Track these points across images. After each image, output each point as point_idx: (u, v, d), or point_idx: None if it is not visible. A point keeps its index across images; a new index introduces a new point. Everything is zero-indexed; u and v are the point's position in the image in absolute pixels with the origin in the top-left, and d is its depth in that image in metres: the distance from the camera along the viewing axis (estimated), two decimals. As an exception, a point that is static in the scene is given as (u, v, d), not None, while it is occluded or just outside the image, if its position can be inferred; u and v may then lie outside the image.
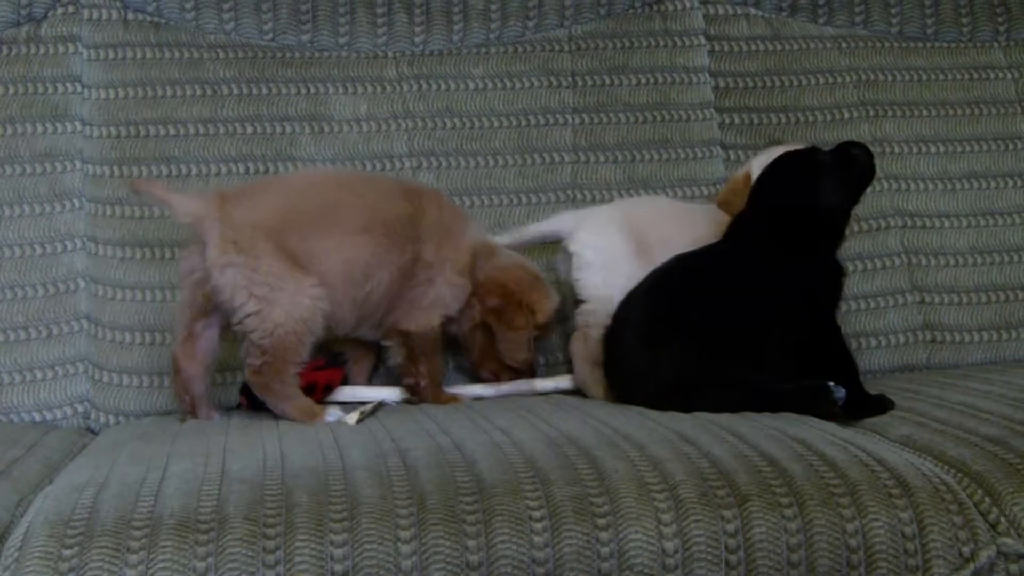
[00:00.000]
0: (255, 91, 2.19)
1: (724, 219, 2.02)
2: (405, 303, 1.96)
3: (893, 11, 2.40)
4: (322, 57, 2.24)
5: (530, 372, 2.09)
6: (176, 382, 1.92)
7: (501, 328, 2.02)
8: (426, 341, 1.97)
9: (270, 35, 2.24)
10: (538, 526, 1.40)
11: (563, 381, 2.07)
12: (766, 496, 1.45)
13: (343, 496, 1.42)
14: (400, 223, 1.94)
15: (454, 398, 2.00)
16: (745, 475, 1.48)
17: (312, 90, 2.21)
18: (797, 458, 1.53)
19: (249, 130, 2.17)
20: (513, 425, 1.69)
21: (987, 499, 1.53)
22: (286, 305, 1.82)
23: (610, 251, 2.05)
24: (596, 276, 2.04)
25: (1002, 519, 1.50)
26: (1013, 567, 1.48)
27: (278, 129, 2.18)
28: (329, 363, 2.03)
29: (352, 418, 1.79)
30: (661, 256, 1.97)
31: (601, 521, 1.41)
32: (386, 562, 1.37)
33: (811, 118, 2.32)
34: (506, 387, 2.06)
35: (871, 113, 2.33)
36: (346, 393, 2.03)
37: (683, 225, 2.07)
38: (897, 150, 2.30)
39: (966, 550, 1.46)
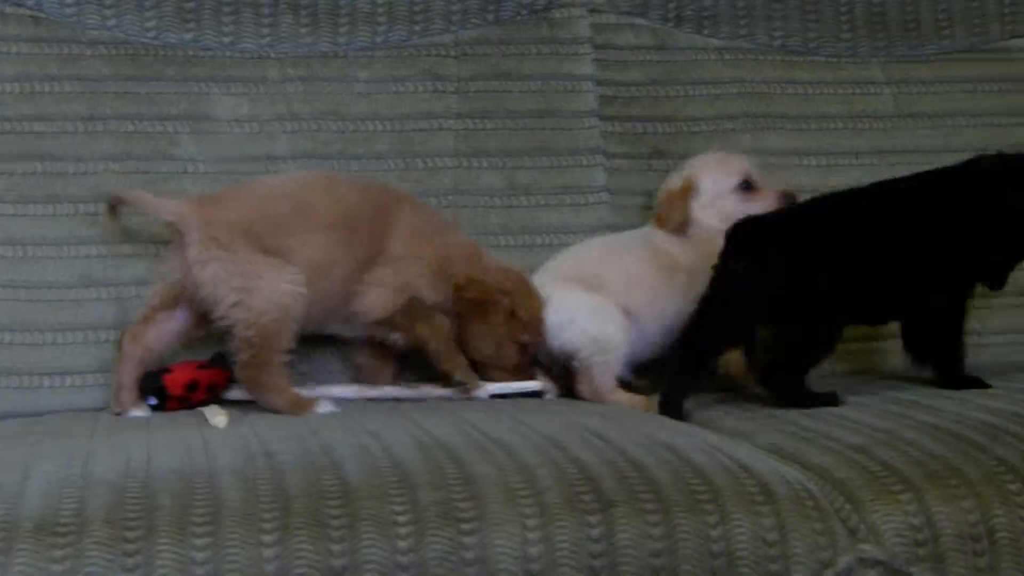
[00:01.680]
0: (136, 89, 2.17)
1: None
2: (364, 285, 1.99)
3: (776, 25, 2.43)
4: (205, 56, 2.22)
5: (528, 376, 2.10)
6: (116, 365, 1.97)
7: (472, 320, 2.04)
8: (405, 314, 2.00)
9: (153, 33, 2.21)
10: (403, 531, 1.40)
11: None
12: (631, 502, 1.46)
13: (207, 499, 1.40)
14: (364, 219, 1.99)
15: (471, 376, 2.03)
16: (611, 481, 1.49)
17: (194, 89, 2.19)
18: (664, 464, 1.54)
19: (129, 128, 2.15)
20: (385, 429, 1.69)
21: (848, 506, 1.55)
22: (266, 292, 1.89)
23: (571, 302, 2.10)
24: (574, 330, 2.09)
25: (861, 526, 1.53)
26: (871, 573, 1.50)
27: (158, 128, 2.16)
28: (214, 362, 2.01)
29: (222, 421, 1.78)
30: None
31: (466, 526, 1.41)
32: (248, 566, 1.36)
33: (694, 128, 2.34)
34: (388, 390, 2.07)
35: (753, 125, 2.35)
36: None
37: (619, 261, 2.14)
38: (778, 162, 2.33)
39: (825, 556, 1.48)
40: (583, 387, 2.09)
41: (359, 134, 2.22)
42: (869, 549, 1.51)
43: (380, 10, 2.29)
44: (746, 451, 1.67)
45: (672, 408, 1.95)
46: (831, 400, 1.91)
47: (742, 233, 1.94)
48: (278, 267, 1.91)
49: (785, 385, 1.94)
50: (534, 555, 1.41)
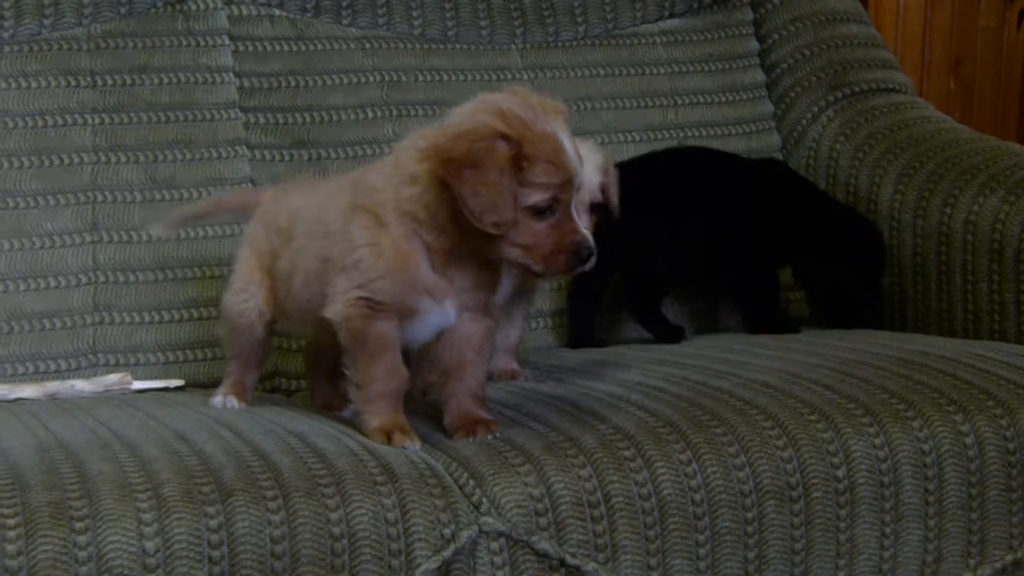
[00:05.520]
0: None
1: None
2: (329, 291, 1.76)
3: (415, 14, 2.46)
4: None
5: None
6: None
7: None
8: (346, 335, 1.69)
9: None
10: (12, 534, 1.38)
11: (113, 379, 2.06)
12: (251, 491, 1.47)
13: None
14: (322, 220, 1.80)
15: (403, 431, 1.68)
16: (232, 471, 1.50)
17: None
18: (288, 451, 1.56)
19: None
20: (7, 431, 1.66)
21: (471, 481, 1.59)
22: (226, 303, 1.89)
23: None
24: None
25: (484, 499, 1.57)
26: (494, 544, 1.56)
27: None
28: None
29: None
30: None
31: (79, 525, 1.40)
32: None
33: (336, 117, 2.35)
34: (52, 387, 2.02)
35: (394, 113, 2.38)
36: None
37: None
38: (421, 149, 2.36)
39: (447, 531, 1.52)
40: None
41: (-12, 132, 2.16)
42: (491, 522, 1.56)
43: (6, 4, 2.22)
44: (375, 434, 1.70)
45: (584, 340, 2.26)
46: (677, 335, 2.26)
47: None
48: (243, 281, 1.88)
49: (644, 312, 2.28)
50: (151, 549, 1.41)
